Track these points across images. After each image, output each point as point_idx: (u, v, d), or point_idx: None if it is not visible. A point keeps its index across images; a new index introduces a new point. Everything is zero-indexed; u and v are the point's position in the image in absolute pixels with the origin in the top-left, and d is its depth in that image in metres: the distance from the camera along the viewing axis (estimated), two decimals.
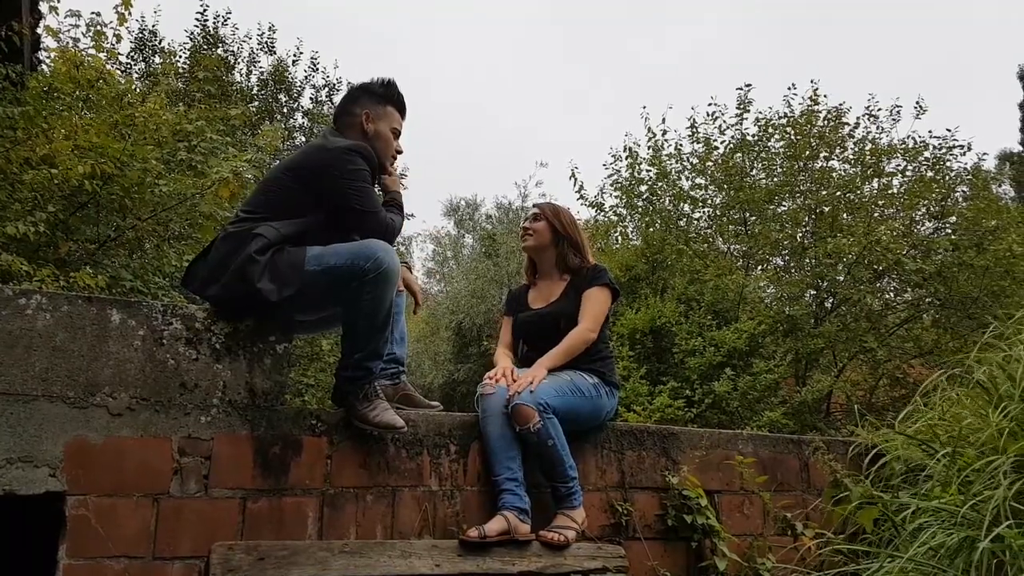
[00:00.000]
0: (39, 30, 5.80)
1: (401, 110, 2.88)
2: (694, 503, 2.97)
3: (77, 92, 5.29)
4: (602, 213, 11.03)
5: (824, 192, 9.48)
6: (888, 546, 2.41)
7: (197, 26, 12.75)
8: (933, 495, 2.40)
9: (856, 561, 2.42)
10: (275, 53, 13.74)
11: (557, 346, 2.94)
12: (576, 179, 10.57)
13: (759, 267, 10.07)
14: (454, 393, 15.59)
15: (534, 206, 3.36)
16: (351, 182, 2.56)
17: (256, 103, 12.98)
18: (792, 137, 9.82)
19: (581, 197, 10.79)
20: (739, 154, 10.04)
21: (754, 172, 10.09)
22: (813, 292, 9.33)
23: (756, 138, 10.04)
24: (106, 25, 5.78)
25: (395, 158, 2.89)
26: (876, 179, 9.68)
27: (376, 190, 2.78)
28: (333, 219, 2.58)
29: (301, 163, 2.64)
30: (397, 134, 2.85)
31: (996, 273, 8.12)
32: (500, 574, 2.47)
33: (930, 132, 9.59)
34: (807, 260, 9.31)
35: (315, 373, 8.67)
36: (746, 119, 10.10)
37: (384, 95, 2.83)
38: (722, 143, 10.20)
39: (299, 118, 14.01)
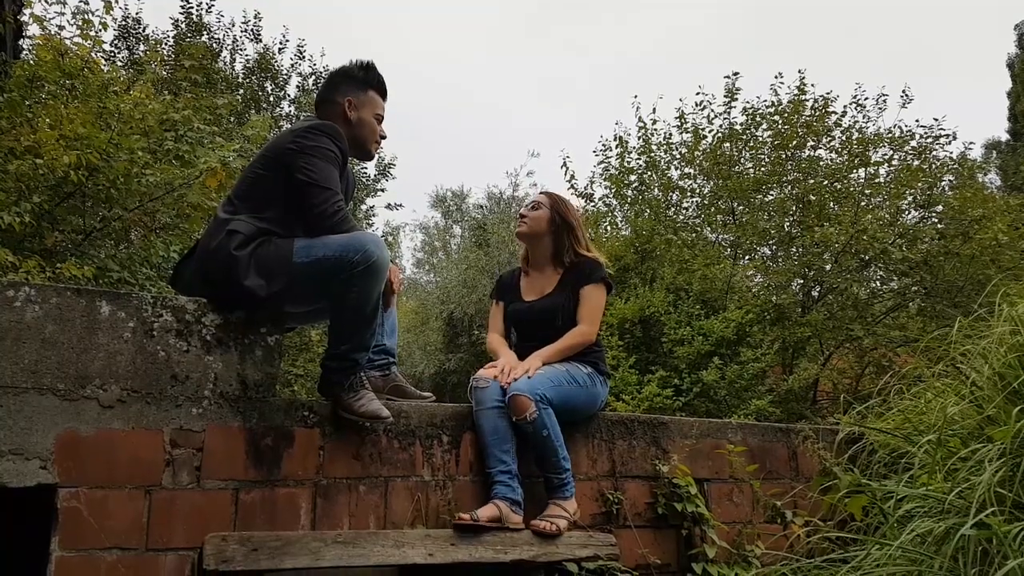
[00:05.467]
0: (24, 17, 5.73)
1: (382, 93, 2.82)
2: (684, 491, 2.99)
3: (62, 81, 5.24)
4: (591, 203, 11.05)
5: (811, 181, 9.51)
6: (876, 533, 2.43)
7: (182, 13, 12.63)
8: (919, 482, 2.43)
9: (844, 548, 2.45)
10: (261, 41, 13.62)
11: (556, 343, 2.92)
12: (568, 168, 10.62)
13: (747, 256, 10.11)
14: (445, 383, 15.61)
15: (540, 193, 3.26)
16: (306, 156, 2.45)
17: (242, 91, 12.87)
18: (779, 126, 9.84)
19: (572, 187, 10.82)
20: (727, 143, 10.05)
21: (742, 161, 10.11)
22: (800, 281, 9.37)
23: (744, 127, 10.05)
24: (93, 13, 5.73)
25: (379, 144, 2.85)
26: (863, 168, 9.71)
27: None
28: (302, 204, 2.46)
29: (268, 148, 2.59)
30: (380, 119, 2.80)
31: (982, 262, 8.18)
32: (493, 562, 2.49)
33: (917, 121, 9.63)
34: (794, 249, 9.36)
35: (304, 363, 8.67)
36: (734, 108, 10.12)
37: (365, 79, 2.77)
38: (710, 132, 10.21)
39: (286, 107, 13.89)
